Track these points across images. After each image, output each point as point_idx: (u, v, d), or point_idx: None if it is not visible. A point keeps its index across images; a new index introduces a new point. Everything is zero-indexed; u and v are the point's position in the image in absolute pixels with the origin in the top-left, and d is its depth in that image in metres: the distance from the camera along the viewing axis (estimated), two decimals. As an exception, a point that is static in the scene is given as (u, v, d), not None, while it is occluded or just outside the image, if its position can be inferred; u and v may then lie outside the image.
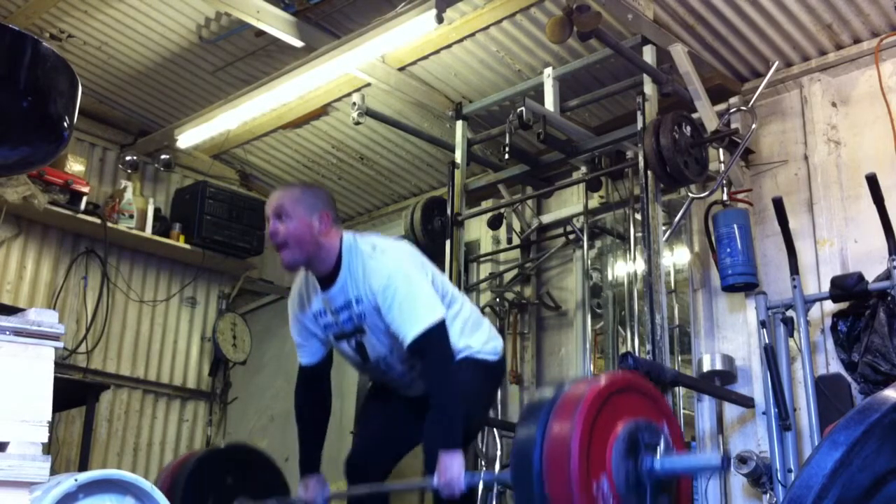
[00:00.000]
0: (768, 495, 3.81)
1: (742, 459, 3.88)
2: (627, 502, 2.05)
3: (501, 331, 5.23)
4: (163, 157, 5.73)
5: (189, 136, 5.39)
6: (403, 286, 2.73)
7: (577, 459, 1.97)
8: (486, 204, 5.23)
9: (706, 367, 4.18)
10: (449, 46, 4.61)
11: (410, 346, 2.70)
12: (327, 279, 2.85)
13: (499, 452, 4.83)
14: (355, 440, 3.13)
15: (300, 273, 2.99)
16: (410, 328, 2.69)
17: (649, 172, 3.87)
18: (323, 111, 5.31)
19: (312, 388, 3.04)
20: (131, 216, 5.57)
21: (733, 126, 4.17)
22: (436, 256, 4.78)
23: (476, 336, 2.93)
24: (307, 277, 2.96)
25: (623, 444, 2.08)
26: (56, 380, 1.93)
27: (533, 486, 2.02)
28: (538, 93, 4.44)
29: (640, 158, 3.90)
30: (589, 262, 4.82)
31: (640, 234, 4.34)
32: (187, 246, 5.74)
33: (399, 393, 3.02)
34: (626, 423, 2.11)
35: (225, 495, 3.17)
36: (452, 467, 2.57)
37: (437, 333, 2.71)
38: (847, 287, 3.80)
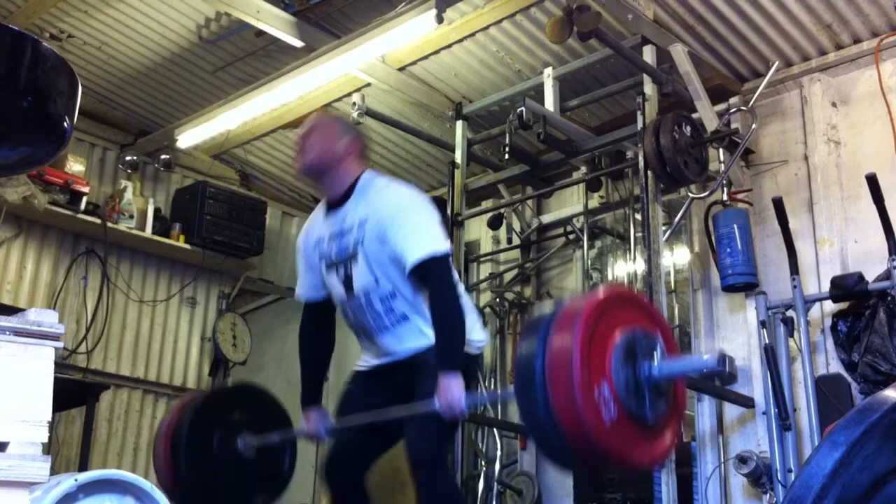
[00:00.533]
0: (768, 495, 3.81)
1: (742, 459, 3.89)
2: (627, 405, 2.13)
3: (501, 330, 5.24)
4: (163, 157, 5.72)
5: (189, 136, 5.39)
6: (415, 215, 2.78)
7: (579, 366, 2.05)
8: (486, 204, 5.23)
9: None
10: (449, 46, 4.61)
11: (413, 268, 2.70)
12: (337, 203, 2.92)
13: (499, 452, 4.83)
14: (333, 441, 3.05)
15: (314, 212, 3.08)
16: (416, 250, 2.70)
17: (649, 172, 3.87)
18: (323, 111, 5.31)
19: (314, 326, 3.08)
20: (131, 216, 5.57)
21: (733, 126, 4.17)
22: (436, 256, 4.80)
23: (467, 323, 2.92)
24: (318, 211, 3.05)
25: (621, 351, 2.16)
26: (56, 380, 1.93)
27: (537, 394, 2.09)
28: (538, 93, 4.44)
29: (640, 158, 3.91)
30: (589, 262, 4.82)
31: (640, 234, 4.34)
32: (187, 246, 5.73)
33: (372, 362, 2.95)
34: (624, 332, 2.20)
35: (230, 430, 3.19)
36: (452, 389, 2.61)
37: (443, 262, 2.73)
38: (847, 287, 3.80)
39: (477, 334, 2.88)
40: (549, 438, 2.13)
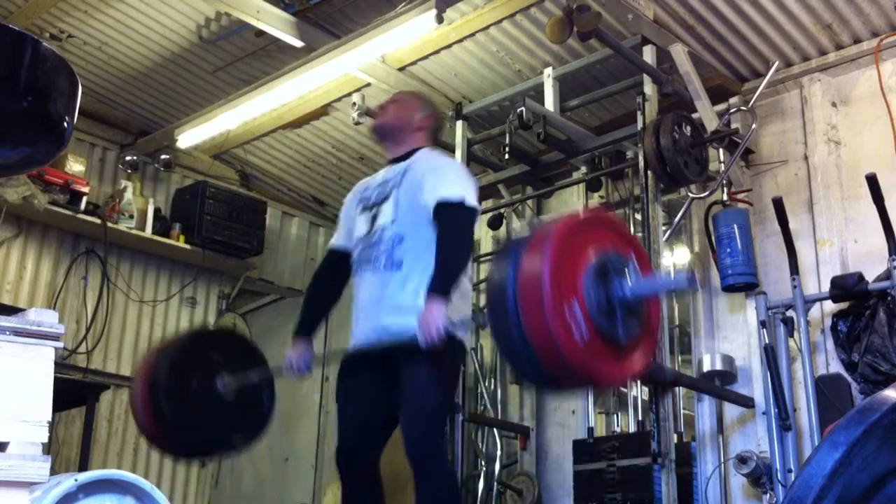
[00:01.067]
0: (768, 495, 3.81)
1: (742, 459, 3.88)
2: (599, 325, 2.15)
3: (501, 331, 5.23)
4: (163, 157, 5.72)
5: (189, 136, 5.39)
6: (455, 172, 3.05)
7: (549, 286, 2.08)
8: (486, 204, 5.23)
9: (706, 367, 4.19)
10: (449, 46, 4.61)
11: (441, 203, 2.87)
12: (395, 161, 3.17)
13: (499, 452, 4.83)
14: (340, 432, 3.09)
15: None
16: (450, 191, 2.90)
17: (649, 172, 3.87)
18: (323, 111, 5.31)
19: (330, 272, 3.30)
20: (131, 216, 5.57)
21: (733, 126, 4.17)
22: (436, 256, 4.80)
23: (466, 308, 3.01)
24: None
25: (593, 271, 2.18)
26: (56, 380, 1.93)
27: (508, 314, 2.12)
28: (538, 93, 4.44)
29: (640, 158, 3.91)
30: (589, 262, 4.81)
31: (640, 234, 4.34)
32: (187, 246, 5.73)
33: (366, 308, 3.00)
34: (596, 252, 2.22)
35: (208, 371, 3.25)
36: (434, 311, 2.72)
37: (469, 212, 2.90)
38: (847, 287, 3.80)
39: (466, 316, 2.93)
40: (522, 358, 2.16)
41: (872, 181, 3.65)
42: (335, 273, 3.26)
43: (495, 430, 4.90)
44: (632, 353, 2.28)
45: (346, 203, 3.29)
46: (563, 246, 2.16)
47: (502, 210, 5.12)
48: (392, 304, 2.89)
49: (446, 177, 2.95)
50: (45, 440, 1.85)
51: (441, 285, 2.77)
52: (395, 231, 2.96)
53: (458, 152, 4.79)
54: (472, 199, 2.92)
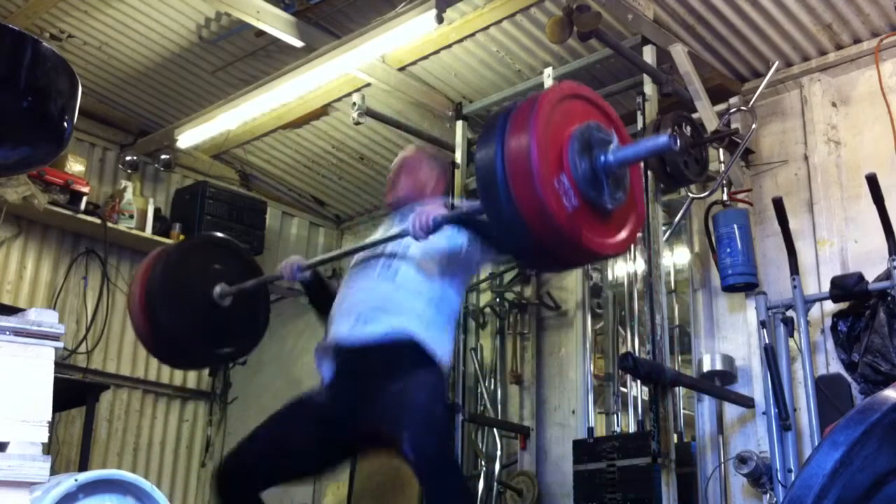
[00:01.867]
0: (768, 495, 3.81)
1: (742, 459, 3.88)
2: (586, 194, 2.22)
3: (501, 331, 5.23)
4: (163, 157, 5.72)
5: (189, 136, 5.39)
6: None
7: (537, 160, 2.13)
8: (485, 204, 5.22)
9: (706, 367, 4.19)
10: (449, 46, 4.61)
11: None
12: None
13: (499, 452, 4.83)
14: (252, 437, 2.95)
15: None
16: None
17: (649, 172, 3.87)
18: (323, 111, 5.31)
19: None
20: (131, 216, 5.57)
21: (733, 126, 4.17)
22: (436, 256, 4.79)
23: (448, 336, 2.94)
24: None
25: (577, 142, 2.24)
26: (56, 380, 1.93)
27: (498, 191, 2.17)
28: (538, 93, 4.44)
29: (640, 158, 3.90)
30: (589, 262, 4.82)
31: (640, 234, 4.34)
32: (187, 246, 5.73)
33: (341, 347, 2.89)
34: (578, 124, 2.28)
35: (205, 279, 3.28)
36: (425, 209, 2.76)
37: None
38: (847, 287, 3.80)
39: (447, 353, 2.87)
40: (515, 233, 2.21)
41: (872, 181, 3.65)
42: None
43: (495, 430, 4.90)
44: (621, 223, 2.38)
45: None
46: (546, 119, 2.21)
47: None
48: (382, 304, 2.81)
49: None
50: (45, 440, 1.85)
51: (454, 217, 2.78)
52: (399, 257, 2.91)
53: (458, 152, 4.80)
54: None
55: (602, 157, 2.26)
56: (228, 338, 3.36)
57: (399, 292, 2.83)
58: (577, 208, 2.20)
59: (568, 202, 2.18)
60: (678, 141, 2.20)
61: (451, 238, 2.87)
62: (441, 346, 2.81)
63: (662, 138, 2.29)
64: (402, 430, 2.60)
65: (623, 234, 2.38)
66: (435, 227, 2.71)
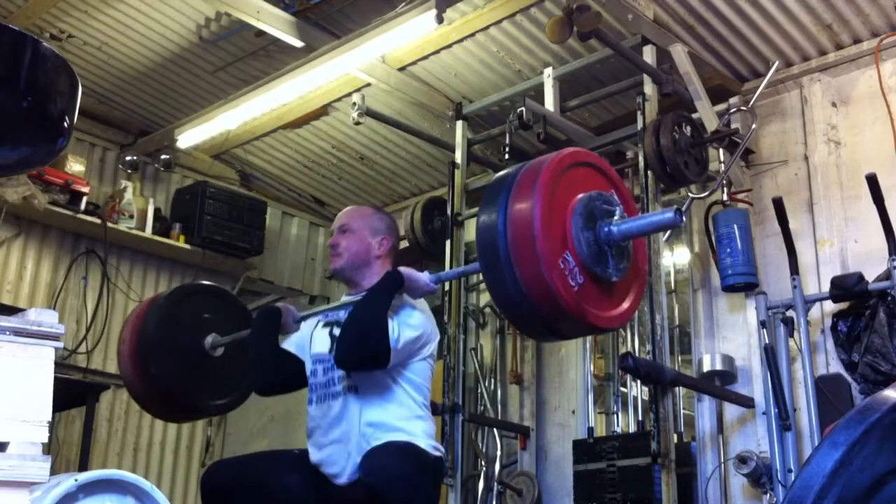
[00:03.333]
0: (768, 495, 3.81)
1: (742, 459, 3.88)
2: (592, 270, 2.19)
3: (502, 331, 5.23)
4: (163, 157, 5.72)
5: (189, 136, 5.39)
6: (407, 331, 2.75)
7: (542, 239, 2.10)
8: (486, 204, 5.22)
9: (706, 367, 4.19)
10: (449, 46, 4.61)
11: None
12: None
13: (499, 452, 4.84)
14: (242, 459, 2.96)
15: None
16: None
17: (649, 172, 3.87)
18: (323, 111, 5.31)
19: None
20: (131, 216, 5.57)
21: (733, 126, 4.17)
22: (436, 256, 4.80)
23: (428, 423, 2.82)
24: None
25: (580, 216, 2.20)
26: (56, 380, 1.93)
27: (504, 273, 2.14)
28: (538, 93, 4.44)
29: (640, 158, 3.90)
30: (589, 262, 4.81)
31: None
32: (187, 246, 5.73)
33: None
34: (580, 196, 2.23)
35: (197, 329, 3.24)
36: (412, 274, 2.71)
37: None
38: (847, 287, 3.80)
39: (433, 440, 2.78)
40: (521, 312, 2.19)
41: (872, 181, 3.65)
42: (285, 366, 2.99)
43: (495, 430, 4.90)
44: (625, 294, 2.34)
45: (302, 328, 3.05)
46: (550, 193, 2.16)
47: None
48: (367, 441, 2.70)
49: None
50: (45, 440, 1.85)
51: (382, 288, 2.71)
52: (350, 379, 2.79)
53: (458, 152, 4.79)
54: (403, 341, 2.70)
55: (606, 229, 2.22)
56: (222, 389, 3.29)
57: (362, 433, 2.71)
58: (583, 285, 2.17)
59: (573, 280, 2.14)
60: (683, 217, 2.18)
61: (413, 327, 2.74)
62: (421, 439, 2.73)
63: (668, 214, 2.23)
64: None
65: (627, 304, 2.35)
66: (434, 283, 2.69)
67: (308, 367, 2.93)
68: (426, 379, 2.85)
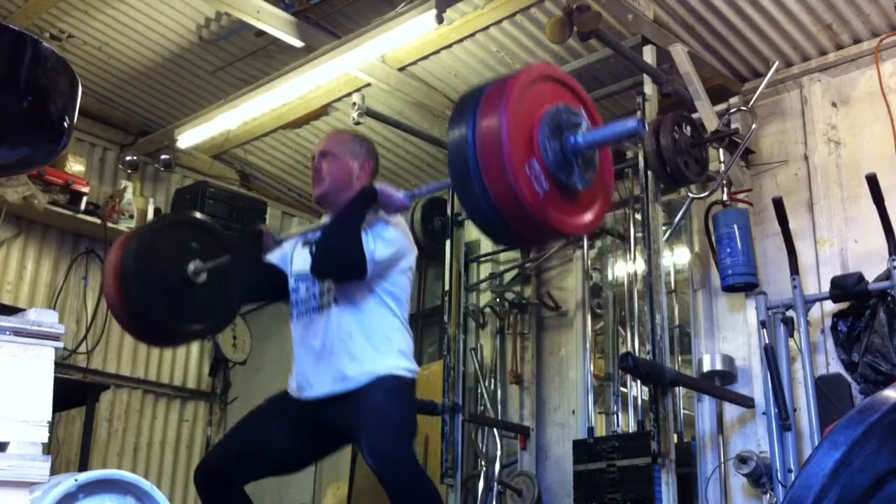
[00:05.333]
0: (768, 495, 3.81)
1: (742, 459, 3.88)
2: (557, 178, 2.25)
3: (502, 330, 5.23)
4: (163, 157, 5.72)
5: (189, 136, 5.39)
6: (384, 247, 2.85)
7: (509, 147, 2.15)
8: (486, 204, 5.22)
9: (706, 367, 4.18)
10: (449, 46, 4.61)
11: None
12: None
13: (499, 452, 4.83)
14: (222, 444, 3.02)
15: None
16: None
17: (649, 172, 3.86)
18: (323, 111, 5.31)
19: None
20: (131, 216, 5.57)
21: (733, 126, 4.17)
22: (436, 256, 4.80)
23: (406, 337, 2.91)
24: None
25: (547, 126, 2.26)
26: (56, 380, 1.93)
27: (472, 183, 2.20)
28: (538, 93, 4.44)
29: (640, 158, 3.90)
30: (589, 262, 4.82)
31: (640, 234, 4.34)
32: (187, 246, 5.73)
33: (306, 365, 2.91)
34: (548, 107, 2.29)
35: (179, 256, 3.33)
36: (386, 189, 2.82)
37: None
38: (847, 287, 3.80)
39: (411, 363, 2.86)
40: (490, 220, 2.25)
41: (872, 181, 3.65)
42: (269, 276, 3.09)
43: (495, 430, 4.90)
44: (591, 203, 2.42)
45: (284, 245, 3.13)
46: (517, 104, 2.22)
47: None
48: (347, 351, 2.80)
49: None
50: (45, 440, 1.85)
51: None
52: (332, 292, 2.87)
53: (458, 152, 4.79)
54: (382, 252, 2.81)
55: (572, 140, 2.28)
56: (204, 314, 3.40)
57: (343, 341, 2.80)
58: (548, 192, 2.24)
59: (539, 187, 2.21)
60: (646, 126, 2.22)
61: (388, 241, 2.83)
62: (397, 359, 2.81)
63: (631, 122, 2.31)
64: (362, 436, 2.66)
65: (591, 215, 2.42)
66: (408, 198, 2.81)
67: (290, 284, 3.00)
68: (404, 292, 2.93)
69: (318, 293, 2.89)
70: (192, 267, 3.30)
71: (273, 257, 3.08)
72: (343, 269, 2.78)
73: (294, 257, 3.03)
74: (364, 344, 2.79)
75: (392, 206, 2.86)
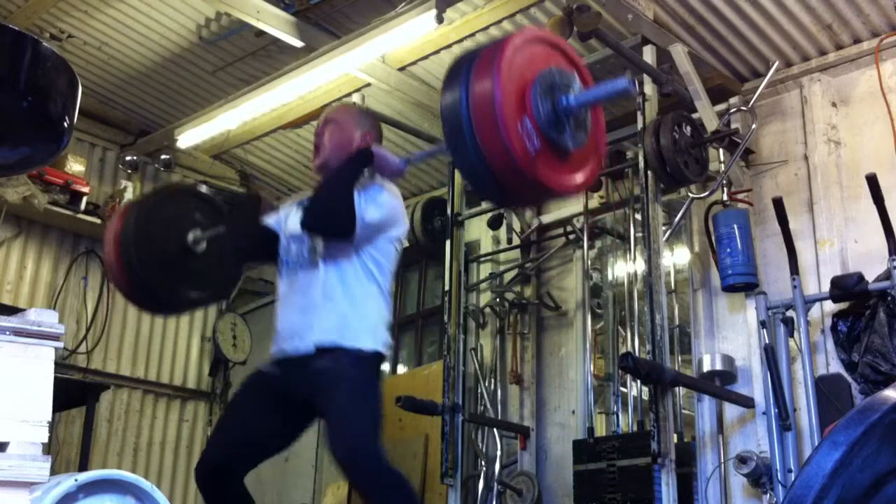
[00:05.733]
0: (768, 495, 3.81)
1: (742, 459, 3.88)
2: (549, 136, 2.29)
3: (502, 330, 5.23)
4: (163, 157, 5.72)
5: (189, 136, 5.39)
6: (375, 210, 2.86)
7: (501, 104, 2.19)
8: (486, 204, 5.22)
9: (706, 367, 4.18)
10: (449, 46, 4.61)
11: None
12: None
13: (499, 452, 4.83)
14: (212, 439, 3.02)
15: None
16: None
17: (649, 172, 3.87)
18: (323, 111, 5.30)
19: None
20: (131, 216, 5.57)
21: (733, 126, 4.17)
22: (436, 256, 4.80)
23: (384, 306, 2.92)
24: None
25: (540, 86, 2.30)
26: (56, 380, 1.93)
27: (465, 138, 2.23)
28: (538, 93, 4.44)
29: (640, 158, 3.90)
30: (589, 262, 4.82)
31: (640, 234, 4.34)
32: (187, 246, 5.73)
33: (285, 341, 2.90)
34: (541, 69, 2.34)
35: (179, 226, 3.36)
36: (382, 151, 2.84)
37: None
38: (847, 287, 3.80)
39: (386, 335, 2.88)
40: (483, 177, 2.28)
41: (872, 181, 3.65)
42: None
43: (495, 430, 4.90)
44: (582, 164, 2.46)
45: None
46: (510, 63, 2.26)
47: (502, 210, 5.12)
48: (329, 308, 2.81)
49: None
50: (45, 440, 1.85)
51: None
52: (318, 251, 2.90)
53: (458, 152, 4.79)
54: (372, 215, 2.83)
55: (564, 100, 2.32)
56: (203, 282, 3.44)
57: (325, 298, 2.82)
58: (539, 150, 2.28)
59: (530, 144, 2.25)
60: (636, 85, 2.27)
61: (380, 204, 2.85)
62: (374, 330, 2.82)
63: (621, 81, 2.34)
64: (330, 425, 2.67)
65: (582, 176, 2.46)
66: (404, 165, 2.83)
67: (282, 243, 3.01)
68: (390, 262, 2.93)
69: (306, 252, 2.92)
70: (191, 236, 3.35)
71: (269, 220, 3.11)
72: (332, 224, 2.80)
73: (289, 218, 3.04)
74: (345, 305, 2.80)
75: (387, 168, 2.87)
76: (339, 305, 2.80)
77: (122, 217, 3.33)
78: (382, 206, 2.84)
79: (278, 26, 4.35)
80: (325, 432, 2.70)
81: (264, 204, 3.09)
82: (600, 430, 4.63)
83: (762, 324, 3.97)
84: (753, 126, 4.14)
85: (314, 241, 2.90)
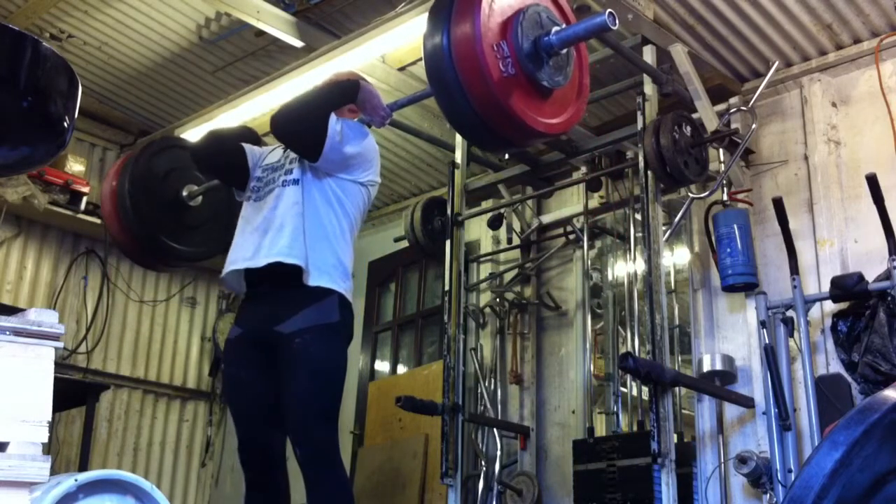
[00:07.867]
0: (768, 495, 3.81)
1: (742, 459, 3.88)
2: (525, 66, 2.37)
3: (502, 330, 5.23)
4: (163, 157, 5.73)
5: (189, 136, 5.37)
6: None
7: (481, 23, 2.30)
8: (486, 204, 5.23)
9: (706, 367, 4.18)
10: (449, 46, 4.61)
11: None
12: None
13: (499, 452, 4.83)
14: (236, 422, 3.07)
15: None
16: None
17: (649, 172, 3.86)
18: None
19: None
20: (131, 216, 5.57)
21: (733, 126, 4.17)
22: (436, 256, 4.80)
23: (346, 249, 2.95)
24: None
25: (524, 18, 2.40)
26: (56, 380, 1.93)
27: (442, 53, 2.32)
28: (538, 93, 4.44)
29: (640, 158, 3.90)
30: (589, 262, 4.82)
31: (640, 234, 4.34)
32: (187, 246, 5.73)
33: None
34: (526, 5, 2.45)
35: (177, 181, 3.46)
36: (369, 85, 2.92)
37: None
38: (847, 287, 3.80)
39: (348, 278, 2.91)
40: (459, 103, 2.35)
41: (872, 181, 3.65)
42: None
43: (495, 430, 4.90)
44: (560, 105, 2.52)
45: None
46: None
47: (502, 210, 5.12)
48: (292, 227, 2.83)
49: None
50: (45, 440, 1.85)
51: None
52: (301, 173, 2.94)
53: (458, 153, 4.79)
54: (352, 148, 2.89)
55: (545, 39, 2.40)
56: (199, 236, 3.52)
57: (290, 216, 2.85)
58: (514, 76, 2.35)
59: (505, 68, 2.32)
60: (616, 20, 2.33)
61: (359, 142, 2.90)
62: (335, 268, 2.84)
63: (600, 17, 2.45)
64: (288, 419, 2.73)
65: (560, 118, 2.51)
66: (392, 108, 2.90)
67: (254, 177, 3.04)
68: (356, 207, 2.97)
69: (278, 177, 2.95)
70: (186, 191, 3.42)
71: (248, 147, 3.16)
72: (302, 130, 2.81)
73: (270, 154, 3.10)
74: (310, 229, 2.81)
75: (370, 103, 2.91)
76: (300, 230, 2.81)
77: (119, 171, 3.38)
78: (359, 142, 2.89)
79: (278, 26, 4.35)
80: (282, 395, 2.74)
81: (256, 140, 3.19)
82: (600, 430, 4.63)
83: (762, 324, 3.98)
84: (753, 126, 4.14)
85: (287, 164, 2.93)
